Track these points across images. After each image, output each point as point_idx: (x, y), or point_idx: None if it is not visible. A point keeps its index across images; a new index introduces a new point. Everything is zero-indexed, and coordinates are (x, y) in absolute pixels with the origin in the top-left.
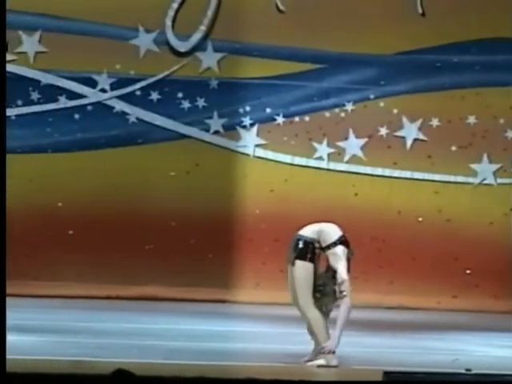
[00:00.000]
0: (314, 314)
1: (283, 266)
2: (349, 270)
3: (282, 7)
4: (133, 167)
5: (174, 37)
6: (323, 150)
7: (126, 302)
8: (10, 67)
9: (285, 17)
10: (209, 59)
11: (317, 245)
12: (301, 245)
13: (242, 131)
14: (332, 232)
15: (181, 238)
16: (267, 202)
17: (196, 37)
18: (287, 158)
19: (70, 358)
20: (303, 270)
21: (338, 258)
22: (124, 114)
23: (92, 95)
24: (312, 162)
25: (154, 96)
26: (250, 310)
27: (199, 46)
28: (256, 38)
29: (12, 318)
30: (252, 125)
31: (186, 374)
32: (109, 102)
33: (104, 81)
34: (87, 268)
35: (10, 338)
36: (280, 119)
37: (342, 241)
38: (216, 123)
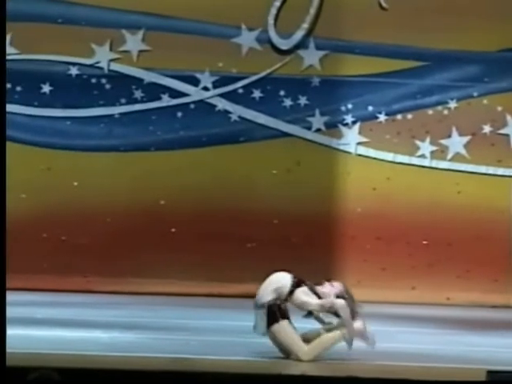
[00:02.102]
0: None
1: (385, 263)
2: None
3: (384, 4)
4: (234, 165)
5: (276, 35)
6: (426, 147)
7: (227, 300)
8: (113, 66)
9: (387, 14)
10: (311, 57)
11: (278, 302)
12: (266, 312)
13: (343, 129)
14: (283, 281)
15: (283, 235)
16: (369, 200)
17: (298, 35)
18: (389, 156)
19: (173, 356)
20: (282, 329)
21: (301, 302)
22: (226, 112)
23: (194, 93)
24: (414, 160)
25: (256, 94)
26: None
27: (301, 44)
28: (358, 36)
29: (115, 315)
30: (354, 123)
31: (287, 372)
32: (211, 101)
33: (206, 79)
34: (189, 266)
35: (113, 335)
36: (382, 117)
37: (295, 283)
38: (318, 121)
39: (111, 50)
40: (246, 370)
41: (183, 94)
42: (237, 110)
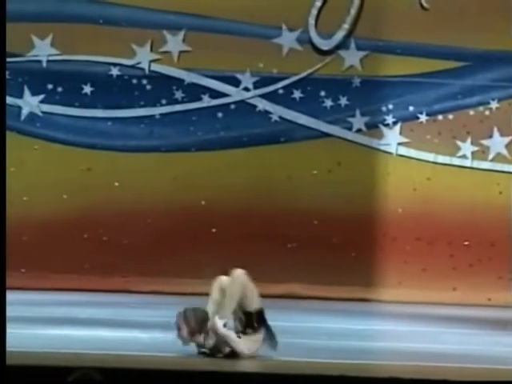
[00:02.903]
0: None
1: (426, 264)
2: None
3: (425, 4)
4: (275, 166)
5: (317, 35)
6: (467, 148)
7: (267, 300)
8: (154, 66)
9: (428, 14)
10: (352, 57)
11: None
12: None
13: (384, 129)
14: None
15: (323, 236)
16: (410, 201)
17: (339, 35)
18: (430, 157)
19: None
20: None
21: None
22: (267, 112)
23: (235, 94)
24: (455, 161)
25: (297, 94)
26: (393, 309)
27: (342, 45)
28: (399, 36)
29: (155, 315)
30: (395, 123)
31: (327, 373)
32: (252, 101)
33: (247, 79)
34: (229, 266)
35: (153, 335)
36: (423, 117)
37: None
38: (358, 121)
39: (152, 50)
40: (284, 370)
41: (224, 95)
42: (277, 111)
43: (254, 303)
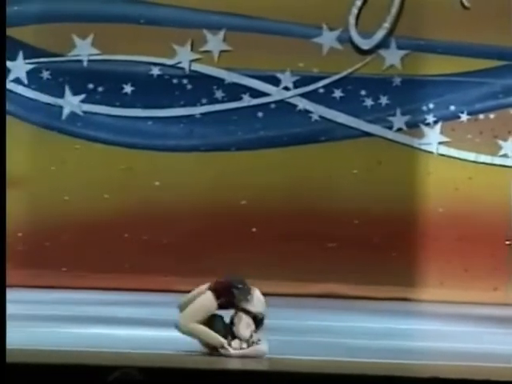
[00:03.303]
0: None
1: (468, 264)
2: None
3: (466, 3)
4: (315, 165)
5: (357, 34)
6: (508, 147)
7: (307, 300)
8: (194, 66)
9: (469, 13)
10: (392, 56)
11: None
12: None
13: (425, 129)
14: None
15: (364, 235)
16: (451, 201)
17: (379, 34)
18: (471, 156)
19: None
20: None
21: None
22: (307, 111)
23: (275, 93)
24: (497, 160)
25: (337, 94)
26: (434, 309)
27: (382, 44)
28: (440, 35)
29: None
30: (435, 122)
31: (368, 372)
32: (292, 100)
33: (287, 79)
34: (269, 265)
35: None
36: (464, 117)
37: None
38: (399, 121)
39: (192, 50)
40: (326, 369)
41: (264, 94)
42: (318, 110)
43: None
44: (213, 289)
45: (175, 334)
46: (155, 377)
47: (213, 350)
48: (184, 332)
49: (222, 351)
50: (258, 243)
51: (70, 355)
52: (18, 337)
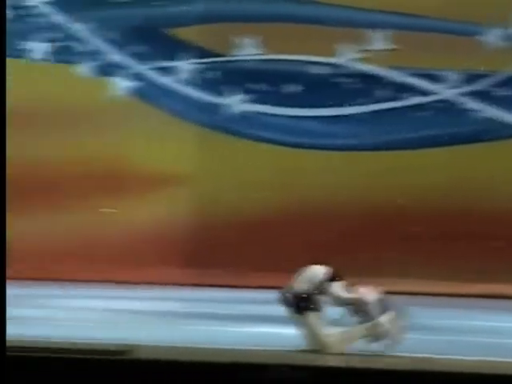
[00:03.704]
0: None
1: None
2: None
3: None
4: (477, 165)
5: None
6: None
7: (466, 300)
8: (358, 65)
9: None
10: None
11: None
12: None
13: None
14: (317, 274)
15: None
16: None
17: None
18: None
19: (413, 355)
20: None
21: (335, 295)
22: (470, 110)
23: (438, 92)
24: None
25: (503, 92)
26: None
27: None
28: None
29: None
30: None
31: None
32: (456, 99)
33: (451, 78)
34: (427, 265)
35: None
36: None
37: (330, 277)
38: None
39: (356, 49)
40: (484, 370)
41: (427, 93)
42: (482, 109)
43: None
44: None
45: None
46: (313, 376)
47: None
48: None
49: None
50: (415, 243)
51: (235, 353)
52: (183, 335)
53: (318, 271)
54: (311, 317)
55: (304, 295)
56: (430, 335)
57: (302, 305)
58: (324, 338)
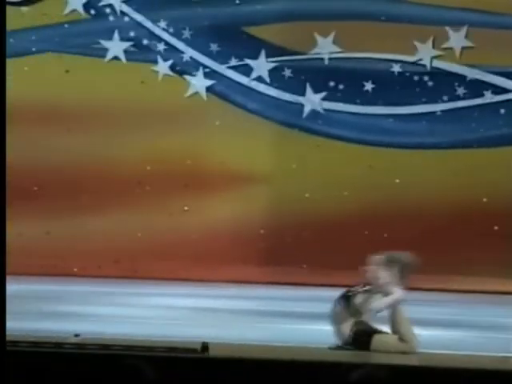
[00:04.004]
0: None
1: None
2: None
3: None
4: None
5: None
6: None
7: None
8: (436, 63)
9: None
10: None
11: None
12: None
13: None
14: None
15: None
16: None
17: None
18: None
19: (496, 354)
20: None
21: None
22: None
23: None
24: None
25: None
26: None
27: None
28: None
29: (436, 312)
30: None
31: None
32: None
33: None
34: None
35: (435, 333)
36: None
37: None
38: None
39: (434, 47)
40: None
41: (507, 91)
42: None
43: None
44: None
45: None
46: (397, 375)
47: None
48: None
49: None
50: (499, 241)
51: (311, 352)
52: (260, 333)
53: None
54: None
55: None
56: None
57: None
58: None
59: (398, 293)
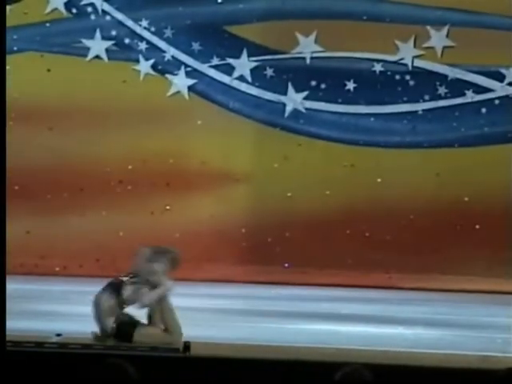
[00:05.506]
0: None
1: None
2: None
3: None
4: None
5: None
6: None
7: None
8: (417, 62)
9: None
10: None
11: None
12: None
13: None
14: None
15: None
16: None
17: None
18: None
19: (478, 353)
20: None
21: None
22: None
23: (500, 89)
24: None
25: None
26: None
27: None
28: None
29: (418, 311)
30: None
31: None
32: None
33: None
34: (494, 262)
35: (416, 331)
36: None
37: None
38: None
39: (415, 46)
40: None
41: (488, 90)
42: None
43: None
44: None
45: (397, 330)
46: (381, 374)
47: None
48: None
49: None
50: (481, 240)
51: (293, 351)
52: (241, 332)
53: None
54: None
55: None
56: (492, 333)
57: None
58: None
59: (166, 285)
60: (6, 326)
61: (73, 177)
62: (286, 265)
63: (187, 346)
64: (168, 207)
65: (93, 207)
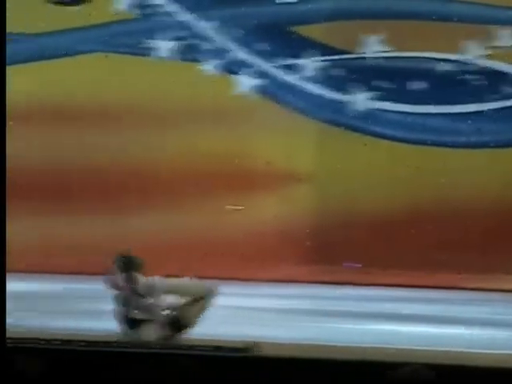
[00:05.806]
0: None
1: None
2: None
3: None
4: None
5: None
6: None
7: None
8: (485, 62)
9: None
10: None
11: None
12: None
13: None
14: None
15: None
16: None
17: None
18: None
19: None
20: None
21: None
22: None
23: None
24: None
25: None
26: None
27: None
28: None
29: (481, 312)
30: None
31: None
32: None
33: None
34: None
35: (474, 332)
36: None
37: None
38: None
39: (483, 45)
40: None
41: None
42: None
43: None
44: None
45: (461, 331)
46: (442, 374)
47: None
48: None
49: None
50: None
51: (356, 351)
52: (306, 332)
53: None
54: None
55: None
56: None
57: None
58: None
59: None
60: (5, 323)
61: (138, 177)
62: (350, 264)
63: (252, 345)
64: (234, 208)
65: (154, 207)
